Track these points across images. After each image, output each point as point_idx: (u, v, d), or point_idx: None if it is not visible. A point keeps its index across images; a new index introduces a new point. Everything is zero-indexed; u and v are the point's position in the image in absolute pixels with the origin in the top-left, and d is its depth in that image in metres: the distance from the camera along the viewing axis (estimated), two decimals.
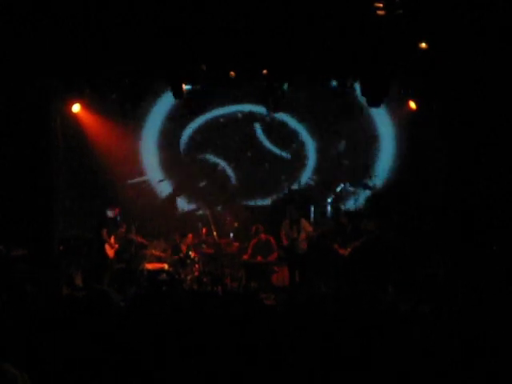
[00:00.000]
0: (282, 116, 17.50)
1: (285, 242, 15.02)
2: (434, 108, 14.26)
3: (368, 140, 17.61)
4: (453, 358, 5.64)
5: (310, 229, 14.99)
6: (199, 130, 17.94)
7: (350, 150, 17.71)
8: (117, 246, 14.92)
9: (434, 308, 6.93)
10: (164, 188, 17.98)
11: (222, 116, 17.82)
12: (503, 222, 12.98)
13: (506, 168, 13.04)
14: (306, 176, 17.96)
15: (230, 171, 18.05)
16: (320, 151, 17.90)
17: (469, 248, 13.11)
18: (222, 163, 18.02)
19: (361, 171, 17.43)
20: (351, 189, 17.13)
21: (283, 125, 17.78)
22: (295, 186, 17.72)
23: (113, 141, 16.73)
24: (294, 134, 17.92)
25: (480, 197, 13.28)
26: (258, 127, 17.87)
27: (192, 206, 17.74)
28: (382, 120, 17.31)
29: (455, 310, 6.69)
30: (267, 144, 17.97)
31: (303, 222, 15.07)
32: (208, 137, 17.94)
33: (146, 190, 17.89)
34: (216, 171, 18.00)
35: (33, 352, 5.57)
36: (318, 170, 17.94)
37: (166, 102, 17.44)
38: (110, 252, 14.81)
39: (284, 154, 17.98)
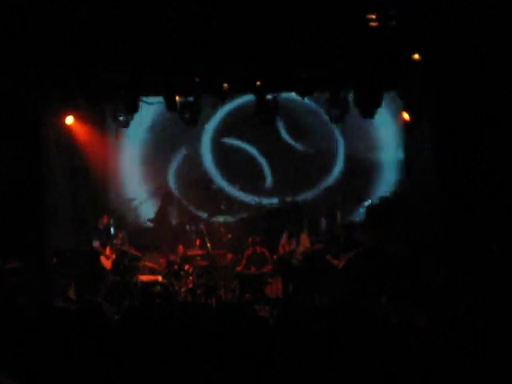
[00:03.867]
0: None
1: (281, 252, 15.04)
2: (426, 119, 14.30)
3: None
4: (448, 369, 5.63)
5: (308, 244, 14.99)
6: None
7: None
8: (114, 256, 14.88)
9: (429, 319, 6.91)
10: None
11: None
12: (499, 232, 13.00)
13: (501, 178, 13.06)
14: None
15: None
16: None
17: (465, 259, 13.11)
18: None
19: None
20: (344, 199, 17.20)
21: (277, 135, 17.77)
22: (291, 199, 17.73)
23: (107, 152, 16.74)
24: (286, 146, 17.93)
25: (474, 207, 13.29)
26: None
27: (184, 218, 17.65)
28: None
29: (451, 320, 6.67)
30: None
31: (303, 236, 15.09)
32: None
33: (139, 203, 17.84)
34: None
35: (25, 364, 5.54)
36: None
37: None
38: (107, 263, 14.77)
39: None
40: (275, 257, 15.31)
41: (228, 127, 17.80)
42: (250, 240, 15.58)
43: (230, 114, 17.65)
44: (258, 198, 17.85)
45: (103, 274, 14.74)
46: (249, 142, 17.84)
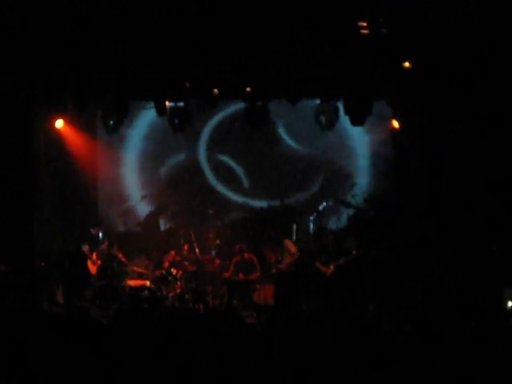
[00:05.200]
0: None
1: (272, 260, 15.13)
2: (416, 125, 14.34)
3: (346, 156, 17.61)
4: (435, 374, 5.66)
5: (294, 249, 15.01)
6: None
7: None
8: (99, 262, 14.84)
9: (415, 326, 6.94)
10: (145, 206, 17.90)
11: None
12: (487, 237, 13.10)
13: (491, 184, 13.13)
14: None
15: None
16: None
17: (457, 262, 13.18)
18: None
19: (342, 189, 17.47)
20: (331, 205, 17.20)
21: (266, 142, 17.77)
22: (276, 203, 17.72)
23: (96, 157, 16.72)
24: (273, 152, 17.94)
25: (464, 213, 13.35)
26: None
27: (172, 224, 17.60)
28: (360, 137, 17.28)
29: (436, 327, 6.70)
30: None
31: (287, 242, 15.13)
32: None
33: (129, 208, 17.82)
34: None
35: (12, 365, 5.53)
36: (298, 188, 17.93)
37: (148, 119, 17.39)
38: (93, 268, 14.74)
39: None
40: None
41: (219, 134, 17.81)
42: (236, 248, 15.56)
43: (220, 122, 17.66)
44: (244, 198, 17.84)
45: (89, 279, 14.70)
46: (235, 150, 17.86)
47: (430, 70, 12.59)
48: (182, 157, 17.95)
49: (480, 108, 12.86)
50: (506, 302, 11.83)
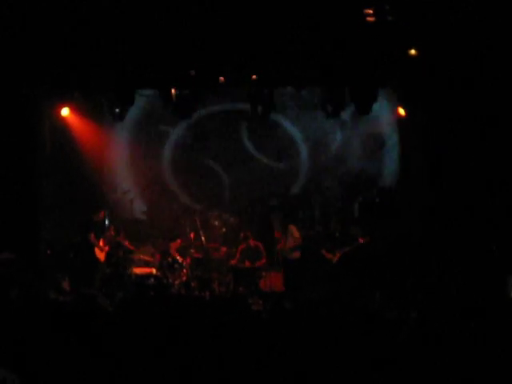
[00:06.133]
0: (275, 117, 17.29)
1: (279, 247, 15.21)
2: (420, 114, 14.32)
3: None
4: (439, 365, 5.65)
5: (297, 235, 15.04)
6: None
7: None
8: (107, 248, 14.90)
9: (421, 315, 6.94)
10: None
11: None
12: (492, 228, 13.06)
13: (497, 177, 13.10)
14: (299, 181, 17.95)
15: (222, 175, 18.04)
16: (311, 157, 17.91)
17: (458, 255, 13.16)
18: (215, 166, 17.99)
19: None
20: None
21: (275, 128, 17.75)
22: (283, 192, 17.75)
23: (101, 145, 16.73)
24: (285, 138, 17.92)
25: (468, 203, 13.33)
26: (244, 129, 17.84)
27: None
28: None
29: (443, 317, 6.70)
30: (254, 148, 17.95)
31: (291, 227, 15.15)
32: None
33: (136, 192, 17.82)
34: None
35: (20, 355, 5.55)
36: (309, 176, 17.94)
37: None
38: (101, 255, 14.79)
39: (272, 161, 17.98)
40: (278, 253, 15.34)
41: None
42: (241, 235, 15.60)
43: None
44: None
45: (98, 265, 14.75)
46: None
47: (436, 57, 12.55)
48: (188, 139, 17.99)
49: (490, 97, 12.81)
50: (511, 291, 11.83)
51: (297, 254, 14.98)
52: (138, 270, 14.90)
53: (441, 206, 13.83)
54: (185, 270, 14.98)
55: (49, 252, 14.64)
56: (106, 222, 15.43)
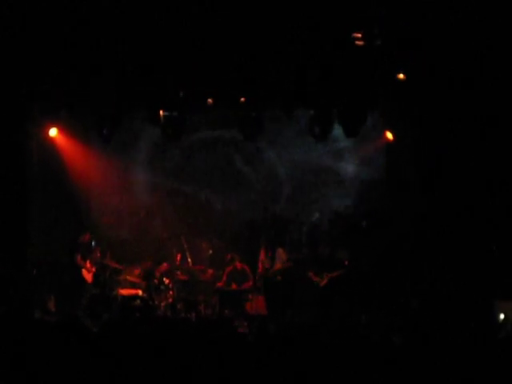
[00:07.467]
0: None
1: (259, 271, 15.14)
2: (409, 138, 14.37)
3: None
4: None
5: (285, 258, 15.04)
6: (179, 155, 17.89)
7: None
8: (94, 269, 14.88)
9: (407, 337, 6.93)
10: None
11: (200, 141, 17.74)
12: (479, 248, 13.12)
13: (485, 194, 13.16)
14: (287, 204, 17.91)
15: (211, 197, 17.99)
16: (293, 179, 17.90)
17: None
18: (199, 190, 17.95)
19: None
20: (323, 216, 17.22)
21: (262, 152, 17.75)
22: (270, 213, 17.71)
23: (89, 166, 16.68)
24: (272, 162, 17.91)
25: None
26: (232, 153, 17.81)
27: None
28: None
29: (430, 339, 6.69)
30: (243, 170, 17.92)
31: (279, 251, 15.16)
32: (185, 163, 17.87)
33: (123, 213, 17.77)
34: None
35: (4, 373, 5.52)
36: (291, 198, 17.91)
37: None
38: (88, 276, 14.79)
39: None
40: (257, 277, 15.34)
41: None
42: (228, 257, 15.58)
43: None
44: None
45: (84, 286, 14.70)
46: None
47: (424, 81, 12.64)
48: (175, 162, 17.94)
49: (473, 122, 12.90)
50: (498, 315, 11.83)
51: (279, 277, 15.02)
52: (124, 292, 14.83)
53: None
54: (171, 292, 14.94)
55: (35, 272, 14.57)
56: (93, 244, 15.38)
